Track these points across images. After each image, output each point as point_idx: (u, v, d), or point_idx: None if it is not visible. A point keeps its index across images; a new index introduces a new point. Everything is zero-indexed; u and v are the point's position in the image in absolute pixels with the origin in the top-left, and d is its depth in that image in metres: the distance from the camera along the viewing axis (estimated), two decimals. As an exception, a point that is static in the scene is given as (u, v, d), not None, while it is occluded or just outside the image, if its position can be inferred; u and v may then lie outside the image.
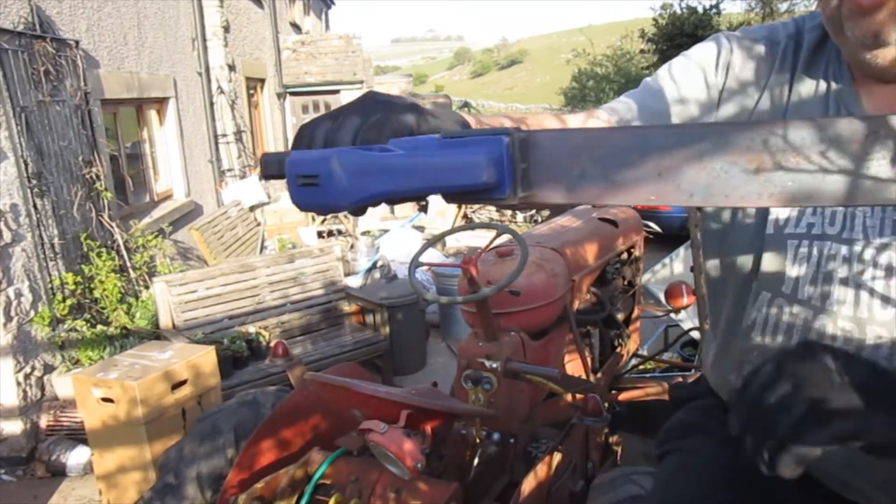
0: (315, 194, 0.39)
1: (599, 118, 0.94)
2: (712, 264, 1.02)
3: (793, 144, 0.33)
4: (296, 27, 13.51)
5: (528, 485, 1.56)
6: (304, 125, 0.57)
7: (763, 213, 0.91)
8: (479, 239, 6.81)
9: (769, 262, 0.90)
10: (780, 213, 0.89)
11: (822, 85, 0.87)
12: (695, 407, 1.15)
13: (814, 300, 0.86)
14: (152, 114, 6.29)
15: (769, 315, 0.91)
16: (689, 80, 0.95)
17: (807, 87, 0.88)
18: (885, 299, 0.81)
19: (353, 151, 0.39)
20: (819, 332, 0.86)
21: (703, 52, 0.96)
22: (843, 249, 0.84)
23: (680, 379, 2.83)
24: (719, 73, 0.94)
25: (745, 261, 0.94)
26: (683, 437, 1.10)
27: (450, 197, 0.41)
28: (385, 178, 0.38)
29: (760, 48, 0.93)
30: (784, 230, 0.89)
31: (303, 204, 0.41)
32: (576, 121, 0.91)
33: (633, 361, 3.24)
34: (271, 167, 0.45)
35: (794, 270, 0.88)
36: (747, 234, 0.93)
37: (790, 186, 0.33)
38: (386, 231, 7.84)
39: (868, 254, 0.82)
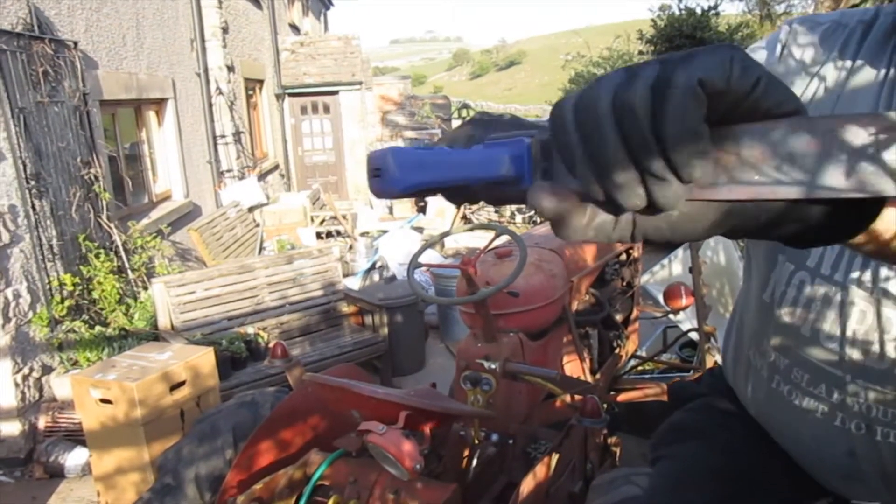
0: (378, 182, 0.47)
1: None
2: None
3: (789, 143, 0.35)
4: (294, 28, 13.51)
5: (527, 485, 1.56)
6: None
7: None
8: (478, 240, 6.81)
9: None
10: None
11: (882, 72, 0.84)
12: (691, 409, 1.15)
13: (836, 275, 0.86)
14: (151, 115, 6.28)
15: (789, 288, 0.91)
16: None
17: (866, 72, 0.85)
18: None
19: (404, 149, 0.47)
20: (836, 307, 0.86)
21: (765, 43, 0.95)
22: None
23: (679, 380, 2.83)
24: (778, 63, 0.92)
25: None
26: (677, 442, 1.10)
27: (484, 189, 0.48)
28: (425, 170, 0.46)
29: (821, 32, 0.90)
30: None
31: (372, 190, 0.49)
32: None
33: (632, 362, 3.24)
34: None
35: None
36: None
37: (782, 181, 0.35)
38: (385, 232, 7.84)
39: None
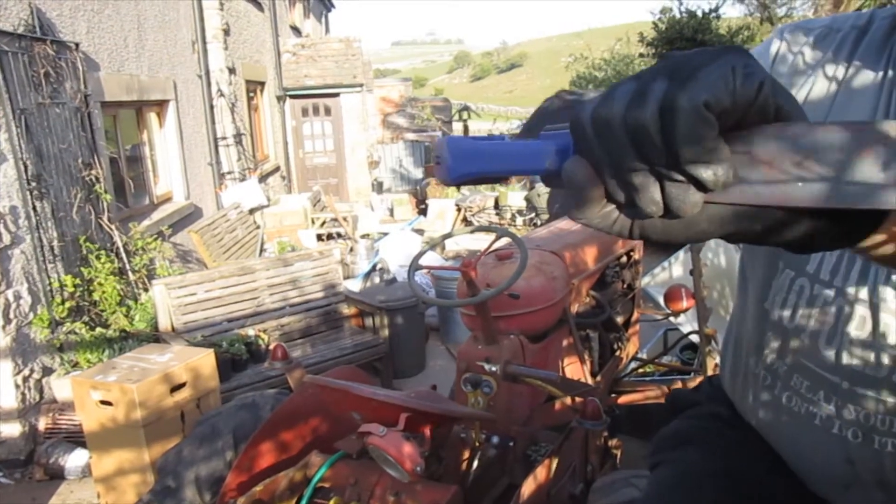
0: (438, 170, 0.49)
1: None
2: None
3: (797, 146, 0.35)
4: (296, 30, 13.52)
5: (528, 488, 1.56)
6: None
7: None
8: (479, 242, 6.81)
9: None
10: None
11: (880, 74, 0.83)
12: (690, 416, 1.14)
13: (835, 280, 0.85)
14: (152, 116, 6.29)
15: (789, 294, 0.91)
16: None
17: (862, 76, 0.85)
18: None
19: (460, 139, 0.48)
20: (836, 313, 0.85)
21: (760, 49, 0.95)
22: None
23: (679, 383, 2.83)
24: (773, 67, 0.93)
25: None
26: (676, 448, 1.09)
27: (545, 180, 0.49)
28: (475, 160, 0.47)
29: (813, 37, 0.90)
30: None
31: (435, 176, 0.51)
32: None
33: (633, 365, 3.24)
34: None
35: None
36: None
37: (794, 186, 0.35)
38: (385, 234, 7.85)
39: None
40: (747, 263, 1.03)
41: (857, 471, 0.86)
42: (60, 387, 3.85)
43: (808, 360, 0.89)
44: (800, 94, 0.90)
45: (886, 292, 0.81)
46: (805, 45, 0.91)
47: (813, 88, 0.89)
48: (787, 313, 0.91)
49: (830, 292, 0.86)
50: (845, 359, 0.84)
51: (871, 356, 0.82)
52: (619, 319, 2.73)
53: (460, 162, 0.47)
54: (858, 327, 0.83)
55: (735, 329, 1.08)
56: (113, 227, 4.67)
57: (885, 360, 0.81)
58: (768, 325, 0.95)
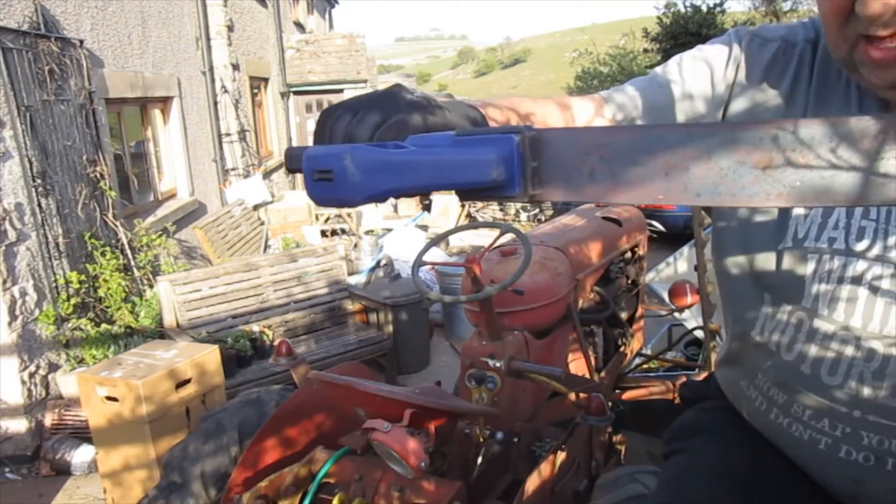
0: (328, 189, 0.40)
1: (604, 113, 0.92)
2: (725, 269, 1.00)
3: (802, 143, 0.32)
4: (299, 26, 13.51)
5: (532, 484, 1.56)
6: (325, 113, 0.56)
7: (782, 223, 0.89)
8: (483, 238, 6.81)
9: (786, 274, 0.88)
10: (800, 225, 0.87)
11: (845, 95, 0.84)
12: (703, 408, 1.14)
13: (835, 314, 0.84)
14: (156, 113, 6.29)
15: (786, 327, 0.90)
16: (696, 76, 0.92)
17: (829, 96, 0.86)
18: None
19: (366, 148, 0.40)
20: (840, 346, 0.84)
21: (714, 49, 0.94)
22: (865, 265, 0.82)
23: (684, 378, 2.82)
24: (728, 71, 0.92)
25: (761, 270, 0.92)
26: (690, 438, 1.09)
27: (462, 194, 0.42)
28: (396, 174, 0.39)
29: (774, 48, 0.90)
30: (804, 243, 0.87)
31: (317, 198, 0.42)
32: (582, 111, 0.90)
33: (637, 360, 3.24)
34: (295, 161, 0.46)
35: (813, 284, 0.86)
36: (764, 243, 0.91)
37: (798, 186, 0.33)
38: (389, 230, 7.84)
39: (889, 270, 0.80)
40: (729, 288, 1.02)
41: (865, 489, 0.86)
42: (66, 383, 3.87)
43: (810, 390, 0.88)
44: (770, 107, 0.90)
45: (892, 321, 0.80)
46: (767, 58, 0.90)
47: (784, 104, 0.89)
48: (784, 345, 0.90)
49: (831, 326, 0.85)
50: (855, 389, 0.83)
51: (886, 385, 0.82)
52: (624, 315, 2.73)
53: (372, 178, 0.39)
54: (867, 359, 0.82)
55: (728, 347, 1.08)
56: (118, 223, 4.68)
57: None
58: (762, 353, 0.94)
